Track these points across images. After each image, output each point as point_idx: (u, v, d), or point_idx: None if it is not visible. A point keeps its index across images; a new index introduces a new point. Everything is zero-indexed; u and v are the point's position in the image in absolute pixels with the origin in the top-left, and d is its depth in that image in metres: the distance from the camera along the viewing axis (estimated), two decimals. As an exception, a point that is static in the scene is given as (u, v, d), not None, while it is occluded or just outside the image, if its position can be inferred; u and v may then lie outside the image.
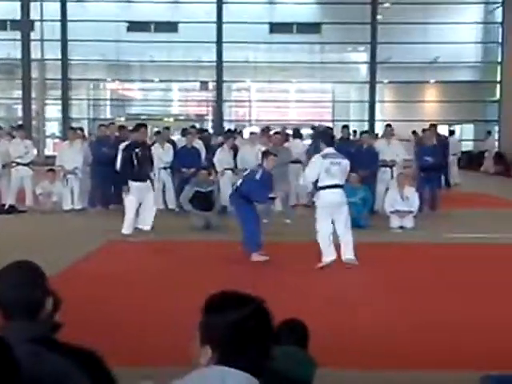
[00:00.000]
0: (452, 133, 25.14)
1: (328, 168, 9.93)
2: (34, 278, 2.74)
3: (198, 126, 25.32)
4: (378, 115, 34.00)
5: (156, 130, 18.87)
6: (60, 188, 16.23)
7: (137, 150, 12.38)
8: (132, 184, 12.27)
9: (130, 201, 12.36)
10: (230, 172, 16.20)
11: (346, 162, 10.18)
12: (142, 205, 12.54)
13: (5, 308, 2.69)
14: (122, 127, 17.42)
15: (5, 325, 2.68)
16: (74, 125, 26.19)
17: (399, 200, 14.05)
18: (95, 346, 2.74)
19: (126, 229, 12.26)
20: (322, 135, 12.86)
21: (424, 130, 17.33)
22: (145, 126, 13.09)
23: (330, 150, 10.20)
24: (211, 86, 35.13)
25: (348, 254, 10.05)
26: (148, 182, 12.59)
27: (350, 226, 10.19)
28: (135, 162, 12.31)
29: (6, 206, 16.11)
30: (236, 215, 10.76)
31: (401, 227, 13.87)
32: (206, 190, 13.94)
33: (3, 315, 2.71)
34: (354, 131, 23.04)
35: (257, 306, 2.30)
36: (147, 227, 12.55)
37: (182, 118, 36.21)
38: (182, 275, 9.53)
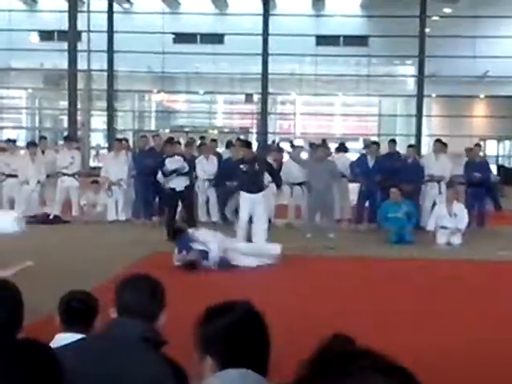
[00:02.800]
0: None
1: None
2: (154, 291, 3.08)
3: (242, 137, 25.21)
4: (424, 129, 33.58)
5: (200, 142, 18.78)
6: (104, 199, 16.25)
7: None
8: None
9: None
10: (273, 185, 16.04)
11: None
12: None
13: (122, 308, 2.94)
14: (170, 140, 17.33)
15: (116, 320, 2.93)
16: (119, 136, 26.33)
17: (447, 216, 13.75)
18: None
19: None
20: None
21: (475, 146, 17.02)
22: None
23: None
24: (256, 98, 35.08)
25: None
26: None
27: None
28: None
29: (51, 216, 16.17)
30: None
31: (448, 243, 13.57)
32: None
33: (118, 313, 2.96)
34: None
35: (244, 309, 2.38)
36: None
37: (226, 130, 36.20)
38: (226, 287, 9.37)
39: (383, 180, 15.37)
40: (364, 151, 17.49)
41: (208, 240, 10.90)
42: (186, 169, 13.97)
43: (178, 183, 13.91)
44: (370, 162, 15.91)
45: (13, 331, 2.59)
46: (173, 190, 13.86)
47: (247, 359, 2.27)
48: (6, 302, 2.67)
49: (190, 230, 11.40)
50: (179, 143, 16.27)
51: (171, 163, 13.87)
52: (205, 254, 10.69)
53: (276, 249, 11.18)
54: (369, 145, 17.51)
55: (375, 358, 1.45)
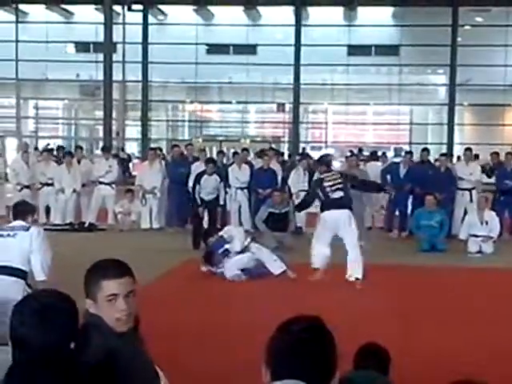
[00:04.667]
0: None
1: None
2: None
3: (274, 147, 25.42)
4: (456, 138, 33.51)
5: (233, 151, 19.02)
6: (139, 207, 16.52)
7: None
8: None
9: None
10: (304, 194, 16.21)
11: None
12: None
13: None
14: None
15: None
16: (153, 145, 26.67)
17: (478, 224, 13.78)
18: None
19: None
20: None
21: (508, 154, 17.10)
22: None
23: None
24: (288, 107, 35.26)
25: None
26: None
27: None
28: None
29: (86, 224, 16.50)
30: None
31: (479, 252, 13.59)
32: (281, 212, 13.97)
33: None
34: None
35: (307, 325, 2.30)
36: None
37: (258, 139, 36.42)
38: (254, 297, 9.56)
39: (415, 189, 15.47)
40: (395, 160, 17.62)
41: (232, 234, 11.19)
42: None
43: (206, 193, 14.15)
44: (402, 171, 16.04)
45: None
46: (201, 199, 14.11)
47: (301, 374, 2.22)
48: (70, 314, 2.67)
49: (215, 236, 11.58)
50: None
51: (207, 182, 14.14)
52: (227, 253, 10.89)
53: (277, 268, 10.97)
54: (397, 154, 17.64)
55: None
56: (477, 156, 16.63)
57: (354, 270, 10.17)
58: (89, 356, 2.62)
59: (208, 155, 18.06)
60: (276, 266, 10.79)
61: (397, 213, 16.00)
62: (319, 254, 10.51)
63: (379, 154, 20.61)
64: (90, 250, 13.25)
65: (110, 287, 2.83)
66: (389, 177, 16.28)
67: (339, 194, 10.36)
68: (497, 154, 18.10)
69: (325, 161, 11.44)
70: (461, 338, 7.53)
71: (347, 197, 10.51)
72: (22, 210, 7.31)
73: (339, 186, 10.38)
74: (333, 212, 10.41)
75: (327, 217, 10.49)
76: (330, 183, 10.44)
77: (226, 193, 15.12)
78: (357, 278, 10.11)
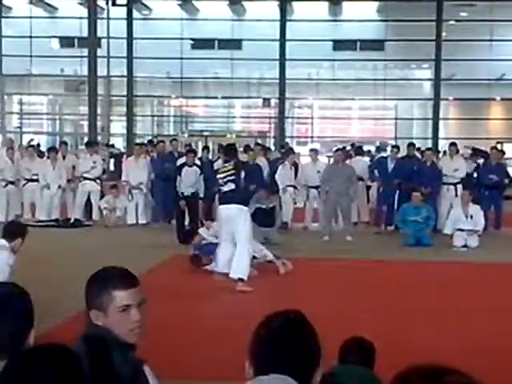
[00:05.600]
0: None
1: None
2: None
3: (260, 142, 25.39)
4: (441, 133, 33.61)
5: (218, 146, 19.01)
6: (124, 203, 16.48)
7: None
8: None
9: None
10: (291, 189, 16.25)
11: None
12: None
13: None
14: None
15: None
16: (138, 141, 26.60)
17: (463, 219, 13.85)
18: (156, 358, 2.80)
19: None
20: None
21: (492, 148, 17.15)
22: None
23: None
24: (273, 102, 35.25)
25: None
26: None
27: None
28: None
29: (72, 220, 16.45)
30: None
31: (465, 246, 13.66)
32: (268, 207, 13.98)
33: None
34: (418, 148, 22.82)
35: (287, 319, 2.29)
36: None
37: (244, 134, 36.38)
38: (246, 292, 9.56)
39: (402, 183, 15.52)
40: (377, 155, 17.67)
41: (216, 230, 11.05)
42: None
43: (186, 186, 14.15)
44: (390, 165, 16.08)
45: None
46: (182, 194, 14.12)
47: (284, 368, 2.20)
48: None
49: (201, 230, 11.53)
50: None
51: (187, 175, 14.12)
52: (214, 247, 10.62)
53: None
54: (381, 149, 17.70)
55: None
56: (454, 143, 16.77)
57: (238, 269, 9.48)
58: (122, 370, 2.60)
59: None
60: (263, 256, 10.77)
61: (384, 207, 16.04)
62: (221, 259, 9.89)
63: (365, 149, 20.72)
64: (76, 246, 13.24)
65: (123, 298, 2.70)
66: (376, 172, 16.36)
67: (230, 186, 9.71)
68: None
69: (224, 151, 10.92)
70: (447, 330, 7.57)
71: (240, 190, 9.74)
72: (11, 231, 7.33)
73: (230, 177, 9.73)
74: (224, 206, 9.79)
75: (220, 211, 9.94)
76: (222, 175, 9.82)
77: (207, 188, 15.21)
78: (239, 279, 9.48)
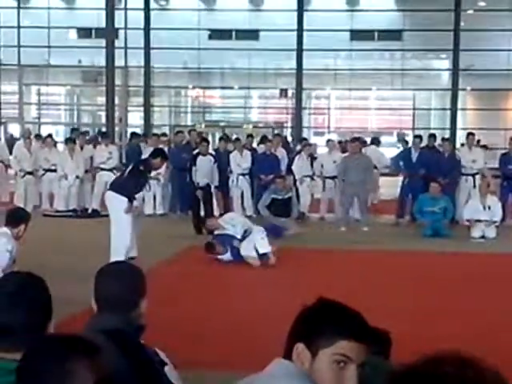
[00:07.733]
0: None
1: None
2: (132, 279, 2.88)
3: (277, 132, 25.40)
4: (459, 123, 33.44)
5: (235, 136, 19.03)
6: (142, 193, 16.50)
7: None
8: None
9: None
10: (308, 179, 16.28)
11: None
12: None
13: (97, 301, 2.85)
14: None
15: (93, 316, 2.83)
16: (155, 131, 26.65)
17: (481, 209, 13.78)
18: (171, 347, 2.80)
19: None
20: None
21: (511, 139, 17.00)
22: None
23: None
24: (291, 93, 35.18)
25: None
26: None
27: None
28: None
29: (90, 211, 16.53)
30: None
31: (482, 237, 13.61)
32: (284, 197, 13.98)
33: (97, 308, 2.86)
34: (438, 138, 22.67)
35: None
36: None
37: (261, 125, 36.36)
38: (260, 281, 9.58)
39: (426, 174, 15.35)
40: (397, 145, 17.61)
41: (234, 221, 11.15)
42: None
43: (201, 175, 14.16)
44: (414, 155, 15.90)
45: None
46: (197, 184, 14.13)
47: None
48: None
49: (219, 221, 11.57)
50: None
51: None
52: (231, 240, 10.84)
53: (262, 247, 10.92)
54: (403, 139, 17.65)
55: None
56: (478, 141, 16.58)
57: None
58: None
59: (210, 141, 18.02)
60: (262, 244, 10.73)
61: (408, 198, 15.75)
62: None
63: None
64: (94, 236, 13.30)
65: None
66: (402, 163, 16.21)
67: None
68: None
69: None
70: (463, 322, 7.55)
71: (118, 177, 9.74)
72: (15, 218, 7.37)
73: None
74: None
75: None
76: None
77: (227, 178, 15.22)
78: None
